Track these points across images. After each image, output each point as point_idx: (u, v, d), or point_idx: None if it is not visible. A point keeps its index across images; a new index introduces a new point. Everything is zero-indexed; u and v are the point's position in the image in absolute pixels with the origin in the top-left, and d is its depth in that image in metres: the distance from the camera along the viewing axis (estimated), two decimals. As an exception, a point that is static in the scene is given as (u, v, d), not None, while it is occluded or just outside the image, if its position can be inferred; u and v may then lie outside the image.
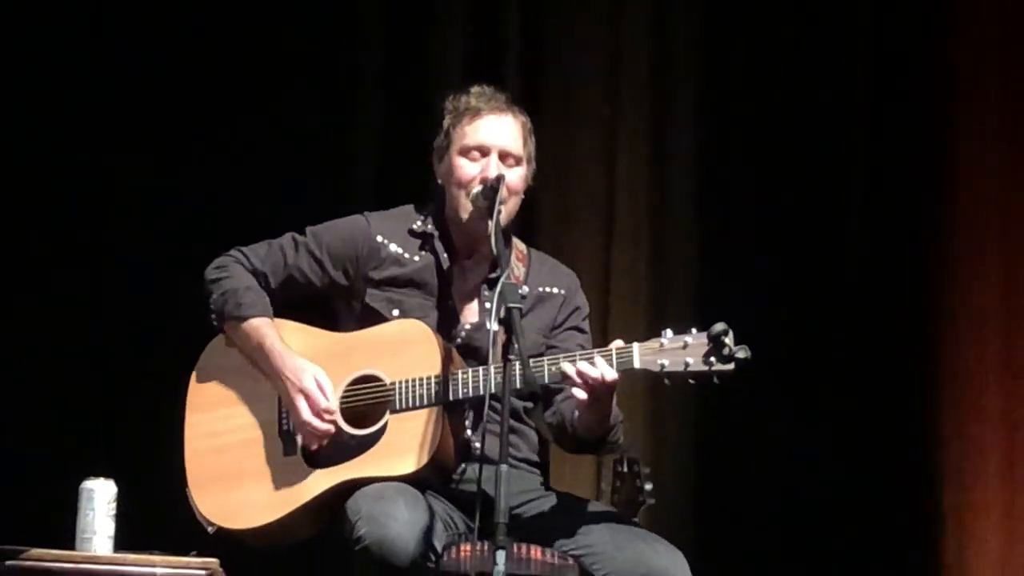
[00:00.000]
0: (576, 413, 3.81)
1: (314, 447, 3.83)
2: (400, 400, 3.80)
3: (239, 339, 3.94)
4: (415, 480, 3.74)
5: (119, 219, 5.08)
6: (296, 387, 3.83)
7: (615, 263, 5.49)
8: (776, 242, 5.51)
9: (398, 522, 3.59)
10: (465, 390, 3.77)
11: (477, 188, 3.91)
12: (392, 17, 5.34)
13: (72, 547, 3.80)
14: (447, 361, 3.80)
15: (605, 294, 5.39)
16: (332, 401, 3.82)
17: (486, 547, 3.62)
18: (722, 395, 5.05)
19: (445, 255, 3.98)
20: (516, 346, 3.54)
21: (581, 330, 4.05)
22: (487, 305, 3.91)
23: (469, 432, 3.86)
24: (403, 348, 3.84)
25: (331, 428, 3.82)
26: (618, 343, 3.72)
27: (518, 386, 3.65)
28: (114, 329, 4.98)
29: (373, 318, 3.93)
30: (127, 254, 5.05)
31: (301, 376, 3.83)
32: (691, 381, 3.68)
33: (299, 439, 3.86)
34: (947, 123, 5.57)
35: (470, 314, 3.97)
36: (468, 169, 3.94)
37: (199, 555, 3.82)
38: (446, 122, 4.00)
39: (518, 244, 4.08)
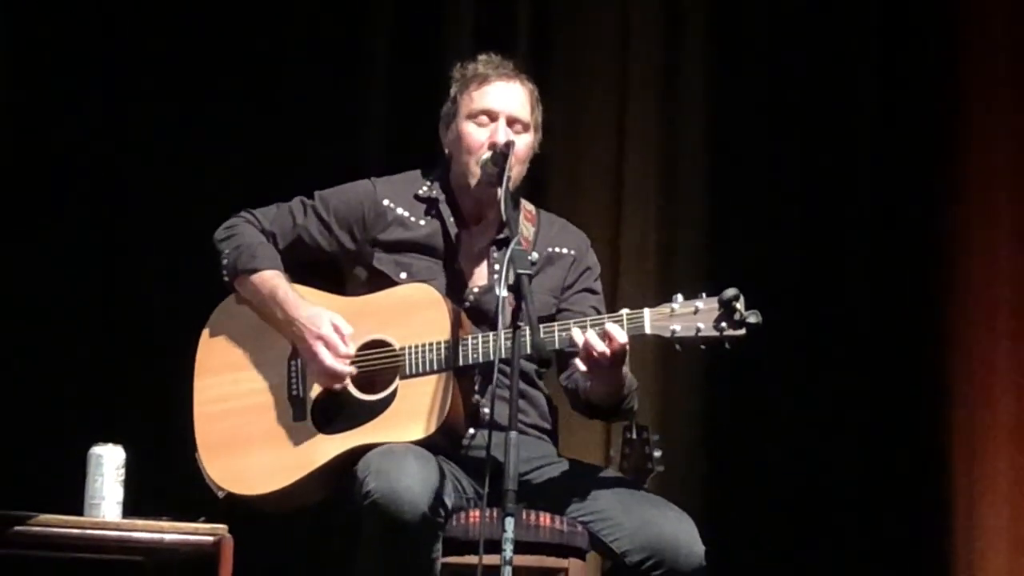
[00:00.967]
0: (588, 383, 3.79)
1: (337, 387, 3.81)
2: (410, 365, 3.79)
3: (251, 292, 3.93)
4: (425, 446, 3.72)
5: (128, 185, 5.06)
6: (314, 333, 3.81)
7: (624, 231, 5.47)
8: (788, 209, 5.51)
9: (408, 476, 3.58)
10: (475, 355, 3.76)
11: (486, 154, 3.90)
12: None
13: (80, 513, 3.79)
14: (456, 326, 3.79)
15: (615, 261, 5.39)
16: (351, 346, 3.81)
17: (495, 513, 3.62)
18: (731, 363, 5.09)
19: (452, 219, 3.97)
20: (526, 312, 3.53)
21: (593, 291, 4.04)
22: (496, 267, 3.92)
23: (479, 398, 3.85)
24: (412, 312, 3.83)
25: (353, 371, 3.81)
26: (625, 311, 3.70)
27: (527, 351, 3.63)
28: (123, 293, 4.97)
29: (381, 281, 3.93)
30: (136, 218, 5.03)
31: (319, 322, 3.81)
32: (702, 346, 3.66)
33: (310, 398, 3.84)
34: (957, 97, 5.57)
35: (478, 277, 3.96)
36: (476, 134, 3.93)
37: (207, 521, 3.81)
38: (453, 89, 4.00)
39: (527, 205, 4.07)
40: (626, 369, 3.78)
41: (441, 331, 3.79)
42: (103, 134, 5.04)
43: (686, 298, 3.67)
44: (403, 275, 3.92)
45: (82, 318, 4.93)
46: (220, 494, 3.87)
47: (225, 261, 3.96)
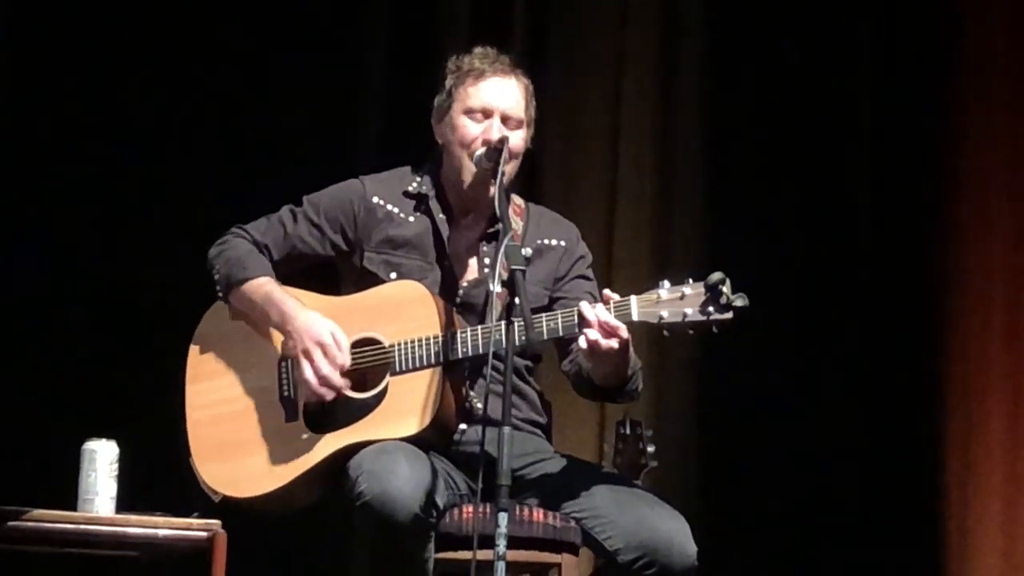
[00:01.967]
0: (590, 364, 3.77)
1: (329, 398, 3.80)
2: (400, 362, 3.79)
3: (245, 303, 3.92)
4: (417, 442, 3.72)
5: (124, 185, 5.06)
6: (313, 339, 3.79)
7: (619, 220, 5.48)
8: (784, 207, 5.51)
9: (399, 477, 3.57)
10: (464, 349, 3.75)
11: (480, 150, 3.89)
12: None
13: (74, 508, 3.80)
14: (446, 321, 3.79)
15: (608, 251, 5.39)
16: (347, 357, 3.80)
17: (488, 509, 3.62)
18: (726, 359, 5.10)
19: (442, 216, 3.96)
20: (521, 308, 3.52)
21: (587, 278, 4.03)
22: (486, 261, 3.91)
23: (470, 393, 3.85)
24: (401, 309, 3.82)
25: (348, 382, 3.80)
26: (614, 296, 3.69)
27: (518, 344, 3.61)
28: (117, 290, 4.97)
29: (371, 281, 3.92)
30: (133, 215, 5.03)
31: (319, 329, 3.80)
32: (690, 331, 3.64)
33: (301, 400, 3.84)
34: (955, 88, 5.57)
35: (468, 271, 3.95)
36: (471, 129, 3.92)
37: (201, 517, 3.81)
38: (448, 82, 3.98)
39: (516, 199, 4.06)
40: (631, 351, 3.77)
41: (430, 327, 3.79)
42: (101, 134, 5.04)
43: (673, 284, 3.66)
44: (393, 275, 3.91)
45: (76, 313, 4.93)
46: (216, 498, 3.86)
47: (217, 277, 3.95)
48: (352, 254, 3.97)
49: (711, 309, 3.62)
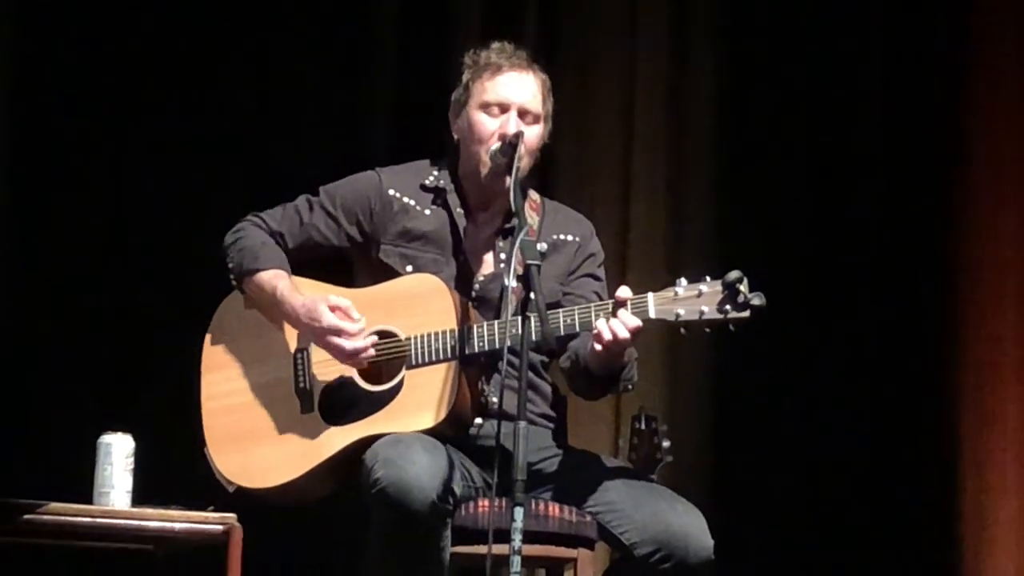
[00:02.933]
0: (590, 352, 3.75)
1: (365, 363, 3.79)
2: (416, 355, 3.79)
3: (256, 293, 3.93)
4: (432, 435, 3.72)
5: (138, 177, 5.06)
6: (323, 329, 3.80)
7: (633, 215, 5.47)
8: (795, 200, 5.50)
9: (416, 465, 3.57)
10: (481, 344, 3.75)
11: (496, 144, 3.89)
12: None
13: (90, 501, 3.80)
14: (462, 315, 3.79)
15: (623, 246, 5.38)
16: (360, 320, 3.79)
17: (504, 503, 3.61)
18: (739, 355, 5.09)
19: (460, 209, 3.96)
20: (536, 303, 3.52)
21: (596, 277, 4.03)
22: (502, 256, 3.92)
23: (485, 387, 3.84)
24: (417, 303, 3.83)
25: (374, 339, 3.80)
26: (628, 292, 3.68)
27: (535, 339, 3.60)
28: (133, 283, 4.97)
29: (386, 274, 3.92)
30: (148, 211, 5.03)
31: (319, 316, 3.80)
32: (707, 330, 3.64)
33: (317, 391, 3.84)
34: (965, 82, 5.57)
35: (484, 266, 3.95)
36: (487, 124, 3.92)
37: (217, 510, 3.82)
38: (465, 76, 3.98)
39: (532, 194, 4.06)
40: None
41: (447, 320, 3.79)
42: (112, 126, 5.04)
43: (690, 281, 3.66)
44: (409, 268, 3.91)
45: (92, 308, 4.93)
46: (230, 489, 3.87)
47: (231, 265, 3.96)
48: (367, 246, 3.97)
49: (728, 307, 3.61)
